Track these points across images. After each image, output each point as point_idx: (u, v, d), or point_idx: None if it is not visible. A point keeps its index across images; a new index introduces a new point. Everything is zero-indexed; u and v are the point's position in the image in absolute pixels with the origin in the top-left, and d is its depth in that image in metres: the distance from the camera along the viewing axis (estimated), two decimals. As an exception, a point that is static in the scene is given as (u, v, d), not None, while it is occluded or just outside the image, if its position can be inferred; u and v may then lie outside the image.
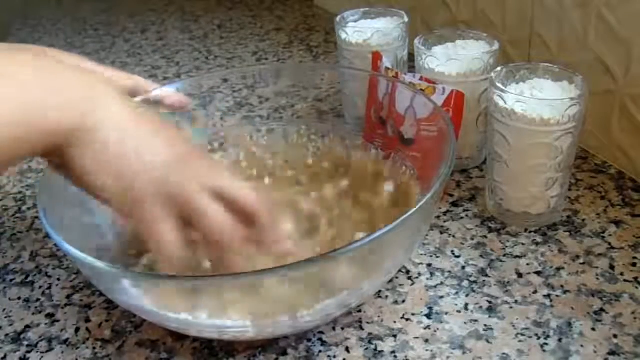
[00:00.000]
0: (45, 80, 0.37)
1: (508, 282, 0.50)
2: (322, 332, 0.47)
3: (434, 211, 0.52)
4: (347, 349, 0.45)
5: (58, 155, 0.38)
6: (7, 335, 0.50)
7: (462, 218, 0.57)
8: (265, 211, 0.41)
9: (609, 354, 0.43)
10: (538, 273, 0.50)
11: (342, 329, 0.47)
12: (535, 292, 0.49)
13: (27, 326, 0.50)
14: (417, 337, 0.46)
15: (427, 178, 0.49)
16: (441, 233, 0.56)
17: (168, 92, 0.57)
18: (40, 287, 0.54)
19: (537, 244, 0.53)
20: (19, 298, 0.54)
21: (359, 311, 0.48)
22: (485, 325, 0.46)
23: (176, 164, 0.39)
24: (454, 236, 0.55)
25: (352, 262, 0.41)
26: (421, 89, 0.56)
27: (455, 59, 0.59)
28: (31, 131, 0.35)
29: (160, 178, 0.38)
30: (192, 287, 0.40)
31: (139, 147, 0.38)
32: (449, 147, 0.46)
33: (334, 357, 0.45)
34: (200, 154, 0.42)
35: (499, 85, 0.52)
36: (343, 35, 0.68)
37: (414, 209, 0.40)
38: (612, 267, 0.50)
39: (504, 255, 0.52)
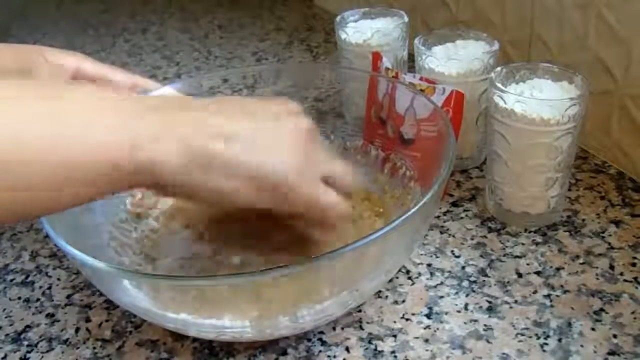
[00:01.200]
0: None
1: (508, 282, 0.50)
2: (322, 332, 0.47)
3: (433, 211, 0.52)
4: (347, 349, 0.45)
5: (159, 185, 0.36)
6: (7, 335, 0.50)
7: (462, 218, 0.57)
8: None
9: (608, 353, 0.43)
10: (538, 273, 0.50)
11: (342, 329, 0.47)
12: (535, 292, 0.49)
13: (27, 326, 0.50)
14: (417, 337, 0.46)
15: (427, 178, 0.49)
16: (441, 233, 0.56)
17: (169, 92, 0.57)
18: (41, 287, 0.55)
19: (537, 244, 0.53)
20: (19, 298, 0.54)
21: (359, 311, 0.48)
22: (485, 325, 0.46)
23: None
24: (454, 236, 0.55)
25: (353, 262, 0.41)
26: (421, 89, 0.56)
27: (455, 59, 0.59)
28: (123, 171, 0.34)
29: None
30: (192, 287, 0.40)
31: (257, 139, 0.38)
32: (448, 147, 0.46)
33: (334, 357, 0.45)
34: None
35: (499, 85, 0.52)
36: (343, 35, 0.68)
37: (414, 209, 0.40)
38: (612, 267, 0.50)
39: (504, 255, 0.53)
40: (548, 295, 0.48)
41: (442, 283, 0.50)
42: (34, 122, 0.31)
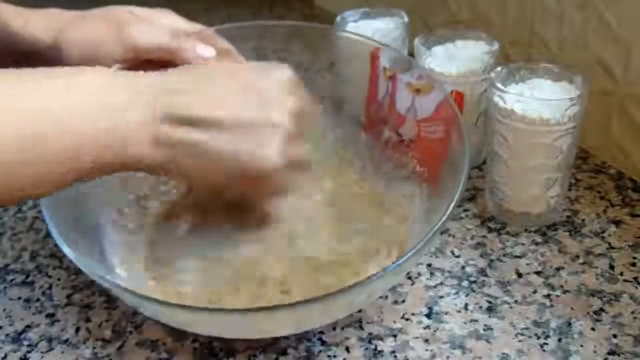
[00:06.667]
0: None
1: (508, 282, 0.50)
2: (322, 332, 0.47)
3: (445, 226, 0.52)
4: (347, 349, 0.45)
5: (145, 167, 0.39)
6: (7, 335, 0.50)
7: (462, 218, 0.57)
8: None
9: (608, 353, 0.43)
10: (538, 273, 0.50)
11: (342, 329, 0.47)
12: (535, 292, 0.49)
13: (27, 326, 0.50)
14: (417, 337, 0.46)
15: (429, 177, 0.49)
16: (441, 233, 0.56)
17: (212, 34, 0.53)
18: (41, 287, 0.54)
19: (537, 244, 0.53)
20: (19, 298, 0.54)
21: (359, 311, 0.48)
22: (485, 325, 0.46)
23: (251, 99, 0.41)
24: (454, 236, 0.55)
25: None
26: (421, 89, 0.56)
27: (455, 59, 0.59)
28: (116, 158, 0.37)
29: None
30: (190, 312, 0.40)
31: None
32: (451, 147, 0.46)
33: (334, 357, 0.45)
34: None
35: (499, 85, 0.52)
36: (343, 35, 0.68)
37: (436, 227, 0.39)
38: (611, 267, 0.50)
39: (504, 255, 0.53)
40: (548, 295, 0.48)
41: (442, 283, 0.50)
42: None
